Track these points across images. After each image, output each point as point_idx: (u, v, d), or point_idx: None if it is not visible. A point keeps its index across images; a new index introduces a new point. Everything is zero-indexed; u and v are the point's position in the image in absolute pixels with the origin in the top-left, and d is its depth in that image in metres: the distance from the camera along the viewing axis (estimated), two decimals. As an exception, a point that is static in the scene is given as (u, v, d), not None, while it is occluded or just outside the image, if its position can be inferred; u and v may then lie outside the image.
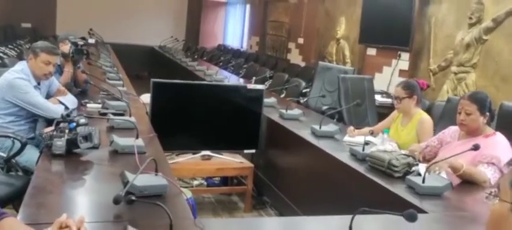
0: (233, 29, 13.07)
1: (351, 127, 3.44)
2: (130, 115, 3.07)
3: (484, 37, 4.72)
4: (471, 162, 2.57)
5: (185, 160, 3.66)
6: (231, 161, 3.78)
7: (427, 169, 2.36)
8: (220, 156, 3.80)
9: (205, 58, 10.07)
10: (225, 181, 4.07)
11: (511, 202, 0.98)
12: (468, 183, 2.53)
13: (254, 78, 6.27)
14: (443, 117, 3.52)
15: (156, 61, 10.60)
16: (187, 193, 2.80)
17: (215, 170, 3.74)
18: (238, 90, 4.14)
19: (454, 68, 5.08)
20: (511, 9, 4.47)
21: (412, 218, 1.54)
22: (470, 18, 4.89)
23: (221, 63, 9.24)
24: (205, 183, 4.08)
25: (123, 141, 2.44)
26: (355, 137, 3.25)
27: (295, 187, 3.47)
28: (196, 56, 9.92)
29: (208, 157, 3.75)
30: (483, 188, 2.48)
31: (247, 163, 3.82)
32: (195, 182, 4.10)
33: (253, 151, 3.88)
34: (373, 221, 1.86)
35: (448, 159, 2.53)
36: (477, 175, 2.50)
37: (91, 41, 7.73)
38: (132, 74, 5.94)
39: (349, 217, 1.67)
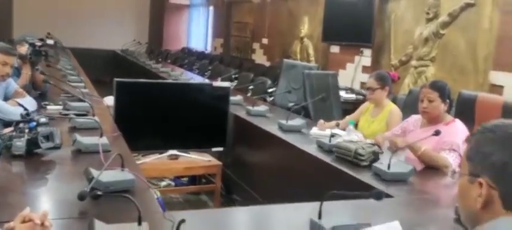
0: (197, 31, 13.01)
1: (321, 121, 3.48)
2: (93, 116, 2.99)
3: (441, 31, 4.88)
4: (433, 149, 2.66)
5: (152, 161, 3.60)
6: (199, 159, 3.75)
7: (392, 153, 2.45)
8: (188, 155, 3.76)
9: (169, 61, 9.97)
10: (194, 180, 4.03)
11: (468, 173, 1.08)
12: (431, 169, 2.61)
13: (219, 78, 6.25)
14: (406, 107, 3.61)
15: (119, 65, 10.41)
16: (156, 193, 2.76)
17: (183, 169, 3.70)
18: (204, 88, 4.11)
19: (414, 62, 5.22)
20: (465, 4, 4.63)
21: (378, 197, 1.57)
22: (428, 13, 5.04)
23: (186, 66, 9.17)
24: (173, 184, 4.03)
25: (86, 139, 2.38)
26: (323, 130, 3.29)
27: (264, 183, 3.48)
28: (160, 59, 9.81)
29: (176, 157, 3.70)
30: (445, 173, 2.57)
31: (216, 161, 3.79)
32: (163, 183, 4.04)
33: (221, 149, 3.86)
34: (342, 208, 1.88)
35: (410, 144, 2.62)
36: (438, 159, 2.60)
37: (49, 41, 7.47)
38: (94, 79, 5.81)
39: (319, 203, 1.69)
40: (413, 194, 2.29)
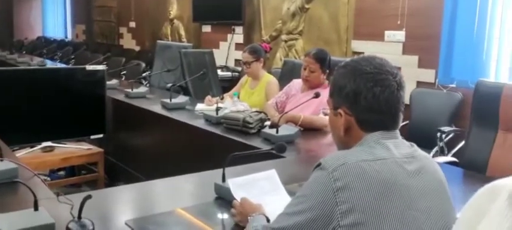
0: (54, 18, 11.99)
1: (209, 96, 3.48)
2: None
3: (306, 6, 5.19)
4: (314, 111, 2.86)
5: (22, 156, 3.26)
6: (77, 149, 3.50)
7: (271, 123, 2.59)
8: (65, 146, 3.49)
9: (24, 51, 9.06)
10: (72, 172, 3.76)
11: (332, 107, 1.25)
12: (314, 130, 2.81)
13: (87, 65, 5.85)
14: (283, 77, 3.80)
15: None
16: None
17: (60, 161, 3.42)
18: (76, 73, 3.81)
19: (284, 37, 5.49)
20: (325, -21, 4.99)
21: (281, 150, 1.65)
22: (293, -12, 5.32)
23: (45, 55, 8.43)
24: (49, 178, 3.70)
25: None
26: (211, 105, 3.30)
27: (153, 164, 3.39)
28: (13, 50, 8.85)
29: (51, 149, 3.40)
30: (325, 132, 2.78)
31: (96, 149, 3.58)
32: (36, 180, 3.69)
33: (100, 135, 3.65)
34: (242, 171, 1.93)
35: (292, 110, 2.78)
36: (317, 121, 2.80)
37: None
38: None
39: (221, 169, 1.73)
40: (301, 154, 2.45)
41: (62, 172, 3.84)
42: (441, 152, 3.44)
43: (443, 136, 3.48)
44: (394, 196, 1.07)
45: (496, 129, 2.37)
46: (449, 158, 2.82)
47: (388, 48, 4.23)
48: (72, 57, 8.21)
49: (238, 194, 1.58)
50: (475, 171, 2.27)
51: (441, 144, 3.48)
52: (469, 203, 0.72)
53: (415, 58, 4.11)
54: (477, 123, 2.46)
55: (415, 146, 1.22)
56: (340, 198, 1.04)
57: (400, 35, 4.21)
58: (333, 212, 1.04)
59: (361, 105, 1.17)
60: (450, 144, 3.53)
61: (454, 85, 3.82)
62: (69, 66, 5.39)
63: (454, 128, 3.61)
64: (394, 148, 1.15)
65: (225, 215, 1.57)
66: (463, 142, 2.88)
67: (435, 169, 1.20)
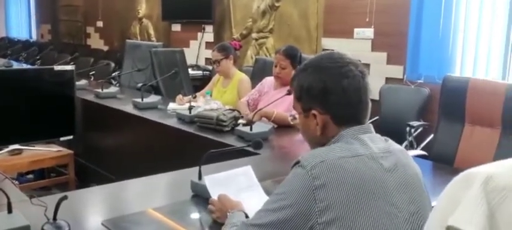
0: (17, 18, 11.63)
1: (180, 95, 3.46)
2: None
3: (276, 4, 5.22)
4: (287, 108, 2.88)
5: (-11, 159, 3.17)
6: (47, 151, 3.42)
7: (247, 120, 2.60)
8: (33, 148, 3.40)
9: (-13, 52, 8.77)
10: (41, 175, 3.67)
11: (302, 111, 1.25)
12: (287, 127, 2.83)
13: (55, 65, 5.71)
14: (255, 75, 3.82)
15: None
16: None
17: (28, 163, 3.33)
18: (43, 73, 3.69)
19: (254, 35, 5.50)
20: (295, -22, 5.03)
21: (258, 146, 1.66)
22: (263, -13, 5.35)
23: (10, 55, 8.19)
24: (17, 182, 3.60)
25: None
26: (183, 104, 3.29)
27: (126, 164, 3.35)
28: (-25, 51, 8.58)
29: (19, 152, 3.32)
30: (298, 129, 2.81)
31: (66, 151, 3.50)
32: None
33: (70, 137, 3.57)
34: (217, 168, 1.93)
35: (266, 107, 2.80)
36: (288, 118, 2.82)
37: None
38: None
39: (196, 168, 1.73)
40: (275, 150, 2.47)
41: (30, 176, 3.75)
42: (410, 146, 3.53)
43: (412, 130, 3.57)
44: (371, 193, 1.08)
45: (463, 123, 2.45)
46: (418, 151, 2.90)
47: (357, 45, 4.30)
48: (38, 57, 8.00)
49: (214, 192, 1.58)
50: (444, 163, 2.35)
51: (410, 138, 3.57)
52: (444, 192, 0.75)
53: (383, 55, 4.20)
54: (445, 117, 2.54)
55: (390, 140, 1.24)
56: (319, 196, 1.05)
57: (369, 32, 4.29)
58: (311, 209, 1.05)
59: (333, 101, 1.18)
60: (419, 138, 3.63)
61: (421, 81, 3.93)
62: (36, 66, 5.23)
63: (422, 122, 3.71)
64: (371, 142, 1.17)
65: (201, 214, 1.57)
66: (431, 136, 2.97)
67: (409, 162, 1.22)
